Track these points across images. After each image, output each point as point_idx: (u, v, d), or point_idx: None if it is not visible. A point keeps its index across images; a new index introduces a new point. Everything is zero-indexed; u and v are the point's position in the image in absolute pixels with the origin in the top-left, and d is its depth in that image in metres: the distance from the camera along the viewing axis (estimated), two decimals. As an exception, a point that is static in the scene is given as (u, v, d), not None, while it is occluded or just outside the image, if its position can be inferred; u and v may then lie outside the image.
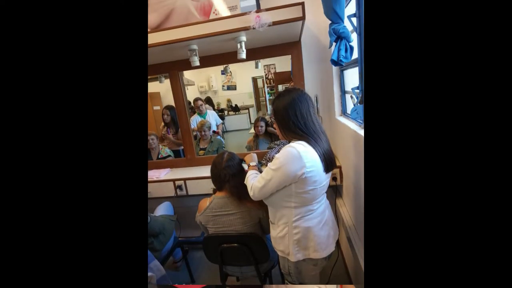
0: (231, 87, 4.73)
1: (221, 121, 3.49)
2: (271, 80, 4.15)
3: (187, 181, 2.10)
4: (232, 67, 4.02)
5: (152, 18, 2.07)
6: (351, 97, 1.44)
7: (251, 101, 4.68)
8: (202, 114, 3.14)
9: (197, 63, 1.79)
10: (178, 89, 2.25)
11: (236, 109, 4.79)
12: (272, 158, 1.12)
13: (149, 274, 1.40)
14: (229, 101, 4.63)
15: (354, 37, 1.22)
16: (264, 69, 4.10)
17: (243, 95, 4.66)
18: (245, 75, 4.50)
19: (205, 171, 1.93)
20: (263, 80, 4.38)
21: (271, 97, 4.36)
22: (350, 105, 1.65)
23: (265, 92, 4.45)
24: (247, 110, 4.75)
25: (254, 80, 4.48)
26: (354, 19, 1.21)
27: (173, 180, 2.12)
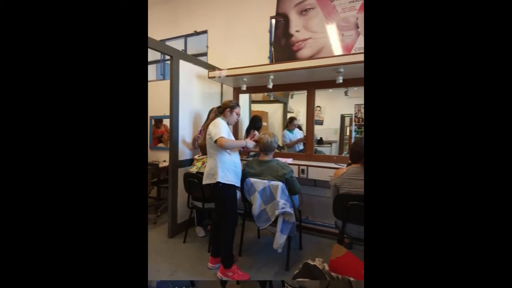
0: (318, 122, 5.22)
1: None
2: (360, 119, 4.62)
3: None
4: (321, 102, 4.51)
5: (306, 52, 2.87)
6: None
7: (336, 137, 5.11)
8: (291, 130, 4.02)
9: (341, 81, 2.41)
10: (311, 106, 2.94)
11: (320, 142, 5.25)
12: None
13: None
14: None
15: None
16: (355, 108, 4.60)
17: (329, 130, 5.12)
18: (334, 112, 4.99)
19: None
20: (351, 118, 4.86)
21: (357, 135, 4.80)
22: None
23: (351, 130, 4.89)
24: (330, 145, 5.17)
25: (342, 117, 4.97)
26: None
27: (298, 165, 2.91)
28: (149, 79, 5.07)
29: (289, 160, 3.14)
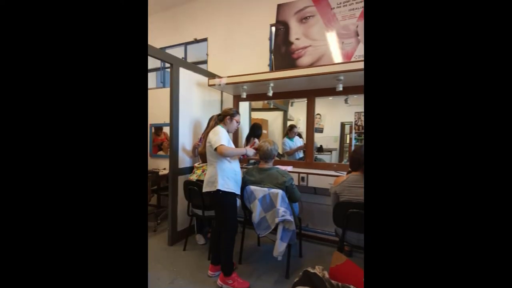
0: (318, 130, 5.24)
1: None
2: (360, 127, 4.64)
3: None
4: (321, 110, 4.52)
5: (306, 60, 2.91)
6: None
7: (336, 145, 5.14)
8: (291, 138, 4.04)
9: (341, 89, 2.44)
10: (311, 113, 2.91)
11: (320, 149, 5.27)
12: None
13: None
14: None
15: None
16: (355, 115, 4.62)
17: (329, 138, 5.15)
18: (334, 120, 5.03)
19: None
20: (351, 126, 4.88)
21: (357, 143, 4.82)
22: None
23: (351, 138, 4.91)
24: (330, 153, 5.19)
25: (342, 125, 5.00)
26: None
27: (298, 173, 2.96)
28: (149, 86, 5.10)
29: (289, 168, 3.20)
